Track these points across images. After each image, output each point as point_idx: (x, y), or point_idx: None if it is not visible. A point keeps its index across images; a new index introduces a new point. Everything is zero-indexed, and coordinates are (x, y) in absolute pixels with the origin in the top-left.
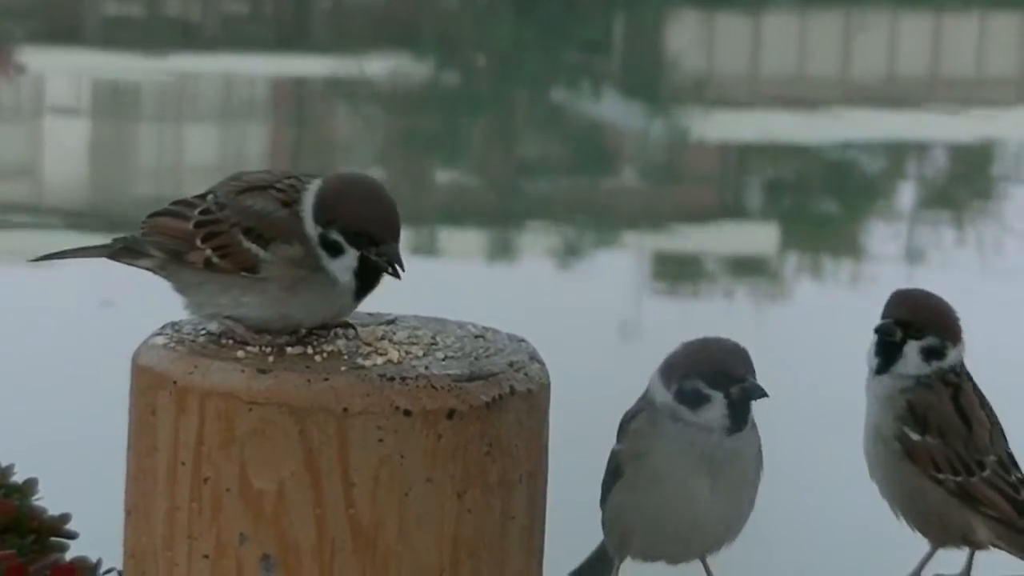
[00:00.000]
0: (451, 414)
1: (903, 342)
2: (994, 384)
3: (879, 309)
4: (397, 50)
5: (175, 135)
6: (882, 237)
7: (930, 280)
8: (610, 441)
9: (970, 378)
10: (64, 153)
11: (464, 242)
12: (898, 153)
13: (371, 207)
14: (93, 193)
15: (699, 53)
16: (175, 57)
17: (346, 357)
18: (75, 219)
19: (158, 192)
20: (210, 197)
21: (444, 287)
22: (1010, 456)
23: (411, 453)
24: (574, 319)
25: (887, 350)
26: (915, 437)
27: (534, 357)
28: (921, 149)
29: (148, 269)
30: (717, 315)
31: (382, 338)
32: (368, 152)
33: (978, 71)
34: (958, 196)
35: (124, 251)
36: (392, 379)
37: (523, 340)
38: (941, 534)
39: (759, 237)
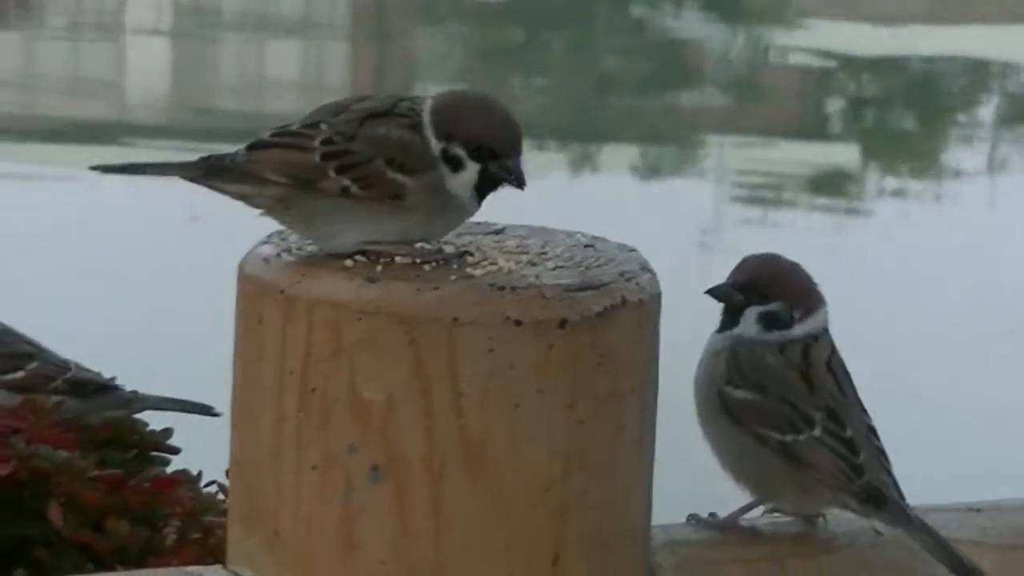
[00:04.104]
0: (562, 324)
1: (744, 306)
2: None
3: (960, 226)
4: None
5: (256, 51)
6: (964, 153)
7: (1011, 196)
8: (688, 355)
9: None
10: (146, 70)
11: (545, 158)
12: (980, 69)
13: (492, 120)
14: (175, 109)
15: None
16: None
17: (455, 267)
18: (157, 135)
19: (240, 108)
20: (324, 127)
21: (528, 202)
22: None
23: (521, 364)
24: (654, 235)
25: (728, 313)
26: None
27: (645, 267)
28: (1003, 65)
29: (241, 195)
30: (797, 232)
31: (492, 248)
32: (449, 67)
33: None
34: None
35: (216, 173)
36: (502, 288)
37: (634, 250)
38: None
39: (840, 154)
